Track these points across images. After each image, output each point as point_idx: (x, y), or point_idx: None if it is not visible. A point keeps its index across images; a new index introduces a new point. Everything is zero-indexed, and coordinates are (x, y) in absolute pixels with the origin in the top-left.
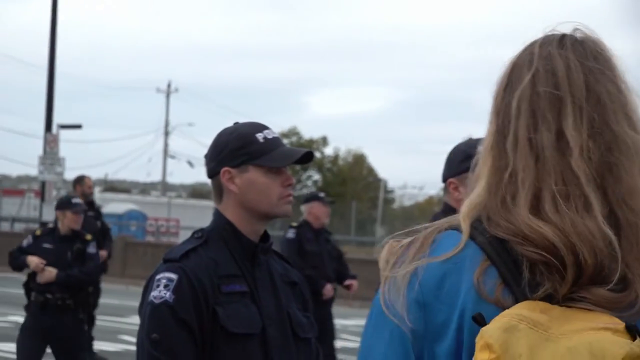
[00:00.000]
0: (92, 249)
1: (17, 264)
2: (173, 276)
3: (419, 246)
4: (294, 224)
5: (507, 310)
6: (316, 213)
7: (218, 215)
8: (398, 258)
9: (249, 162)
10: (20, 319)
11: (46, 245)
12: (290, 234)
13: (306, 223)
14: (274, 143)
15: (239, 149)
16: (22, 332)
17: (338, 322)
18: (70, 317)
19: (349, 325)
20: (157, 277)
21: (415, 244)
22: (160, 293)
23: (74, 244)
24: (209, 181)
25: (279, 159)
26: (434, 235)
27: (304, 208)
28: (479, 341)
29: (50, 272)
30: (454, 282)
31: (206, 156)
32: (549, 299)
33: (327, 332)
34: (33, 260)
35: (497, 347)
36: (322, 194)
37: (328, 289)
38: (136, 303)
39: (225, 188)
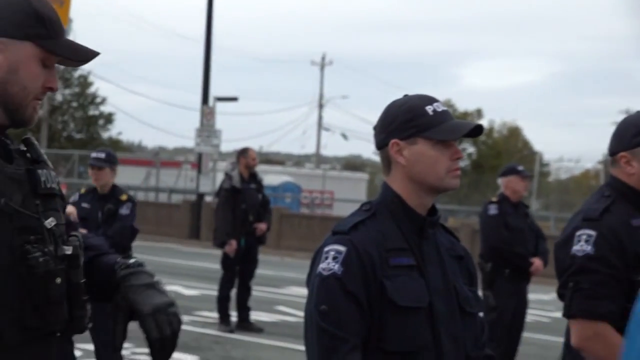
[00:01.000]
0: (124, 210)
1: None
2: (341, 248)
3: None
4: (494, 199)
5: None
6: (514, 187)
7: (386, 187)
8: None
9: (418, 134)
10: (174, 287)
11: (84, 205)
12: (493, 209)
13: (505, 197)
14: (443, 116)
15: (409, 121)
16: None
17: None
18: None
19: None
20: (326, 249)
21: None
22: (329, 265)
23: (107, 204)
24: (362, 153)
25: (448, 132)
26: None
27: (501, 181)
28: None
29: None
30: None
31: (375, 128)
32: None
33: (523, 308)
34: (67, 211)
35: None
36: (520, 167)
37: (537, 267)
38: (291, 274)
39: (393, 160)
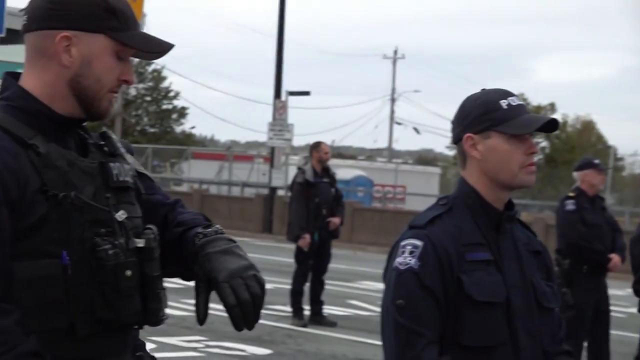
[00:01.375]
0: None
1: None
2: (418, 243)
3: None
4: (571, 193)
5: None
6: (591, 181)
7: (462, 182)
8: None
9: (491, 128)
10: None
11: None
12: (570, 205)
13: (582, 192)
14: (518, 110)
15: (482, 115)
16: None
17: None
18: None
19: None
20: (402, 243)
21: None
22: (406, 259)
23: None
24: (434, 147)
25: (521, 126)
26: None
27: (577, 175)
28: None
29: None
30: None
31: (452, 122)
32: None
33: (606, 304)
34: None
35: None
36: (596, 160)
37: (615, 263)
38: (364, 268)
39: (468, 154)
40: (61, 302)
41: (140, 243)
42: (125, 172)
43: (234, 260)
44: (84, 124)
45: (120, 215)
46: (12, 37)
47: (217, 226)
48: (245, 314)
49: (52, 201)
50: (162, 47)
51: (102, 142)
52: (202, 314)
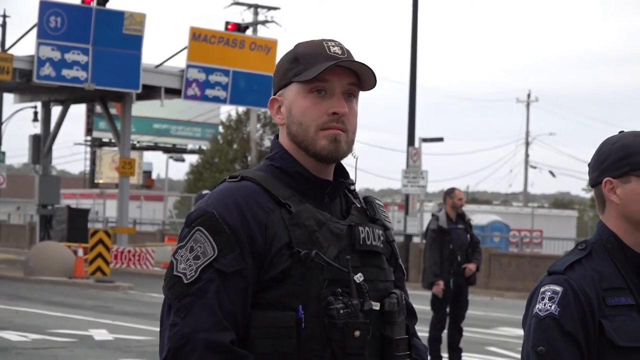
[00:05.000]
0: None
1: None
2: (558, 288)
3: None
4: None
5: None
6: None
7: (601, 226)
8: None
9: (631, 172)
10: None
11: None
12: None
13: None
14: None
15: (622, 159)
16: None
17: None
18: None
19: None
20: (542, 289)
21: None
22: (545, 306)
23: None
24: (571, 190)
25: None
26: None
27: None
28: None
29: None
30: None
31: (589, 165)
32: None
33: None
34: None
35: None
36: None
37: None
38: (501, 314)
39: (607, 198)
40: (292, 354)
41: (375, 306)
42: (375, 236)
43: None
44: (352, 187)
45: (358, 277)
46: (148, 92)
47: None
48: None
49: (295, 257)
50: (357, 68)
51: (365, 207)
52: None
